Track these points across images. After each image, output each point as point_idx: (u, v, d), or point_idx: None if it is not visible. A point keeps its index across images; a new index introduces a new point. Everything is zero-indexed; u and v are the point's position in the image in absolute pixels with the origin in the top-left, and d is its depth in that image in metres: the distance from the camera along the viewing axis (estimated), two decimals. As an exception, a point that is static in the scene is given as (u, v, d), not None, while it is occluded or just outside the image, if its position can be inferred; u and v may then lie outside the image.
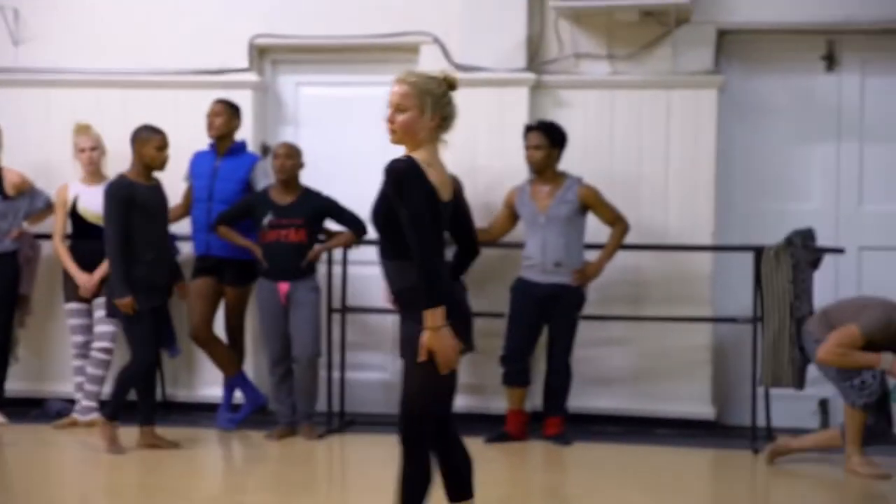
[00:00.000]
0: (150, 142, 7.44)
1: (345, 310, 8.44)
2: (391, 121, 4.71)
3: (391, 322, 8.20)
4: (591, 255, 8.07)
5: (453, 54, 8.69)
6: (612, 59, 8.62)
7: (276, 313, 7.89)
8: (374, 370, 8.85)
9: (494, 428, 8.01)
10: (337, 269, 8.38)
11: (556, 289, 7.90)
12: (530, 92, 8.57)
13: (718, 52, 8.58)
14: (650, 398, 8.25)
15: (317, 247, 8.07)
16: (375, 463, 7.31)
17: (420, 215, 4.56)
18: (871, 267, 8.34)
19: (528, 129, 8.10)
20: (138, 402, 7.56)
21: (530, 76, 8.57)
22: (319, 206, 8.04)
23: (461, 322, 4.72)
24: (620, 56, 8.59)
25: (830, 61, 8.61)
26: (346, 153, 8.89)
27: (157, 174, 7.60)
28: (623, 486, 6.79)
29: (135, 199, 7.34)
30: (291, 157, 8.04)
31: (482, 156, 8.54)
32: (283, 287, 7.88)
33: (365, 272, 8.31)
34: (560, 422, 7.94)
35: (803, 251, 7.82)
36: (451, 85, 4.80)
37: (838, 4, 8.35)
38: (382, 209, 4.68)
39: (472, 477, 4.92)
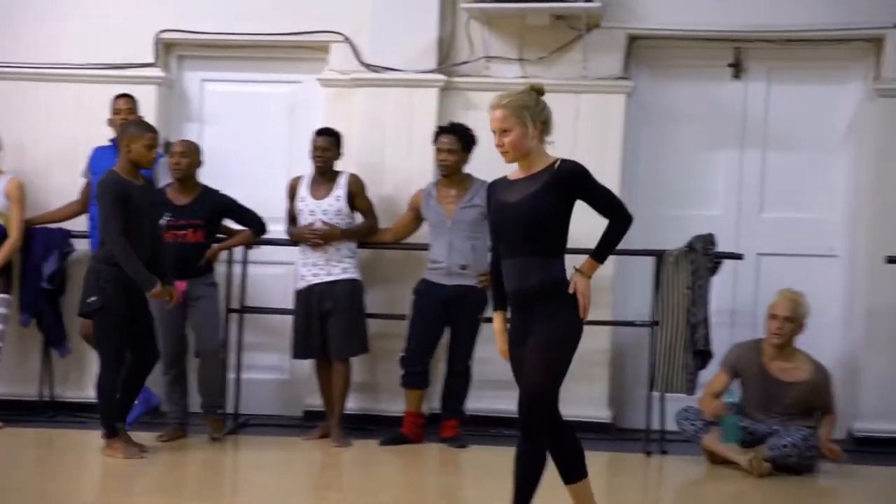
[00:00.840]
0: (141, 139, 7.21)
1: (243, 310, 8.39)
2: (500, 144, 5.16)
3: (289, 323, 8.15)
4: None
5: (363, 54, 8.66)
6: (523, 63, 8.63)
7: (173, 313, 7.75)
8: (271, 371, 8.80)
9: (390, 430, 7.99)
10: (236, 269, 8.33)
11: (460, 291, 7.89)
12: (440, 93, 8.56)
13: (628, 57, 8.63)
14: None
15: (214, 246, 8.00)
16: (267, 465, 7.31)
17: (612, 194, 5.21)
18: (768, 273, 8.41)
19: (441, 131, 8.08)
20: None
21: (440, 78, 8.56)
22: (218, 205, 7.96)
23: None
24: (531, 60, 8.60)
25: (737, 69, 8.68)
26: (251, 151, 8.83)
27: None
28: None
29: (129, 197, 7.12)
30: (186, 155, 7.92)
31: (390, 156, 8.53)
32: (180, 286, 7.74)
33: (264, 272, 8.24)
34: (457, 424, 7.94)
35: (703, 257, 7.87)
36: (539, 91, 5.25)
37: (745, 13, 8.41)
38: (549, 209, 5.02)
39: (583, 459, 5.23)
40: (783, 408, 7.35)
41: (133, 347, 7.27)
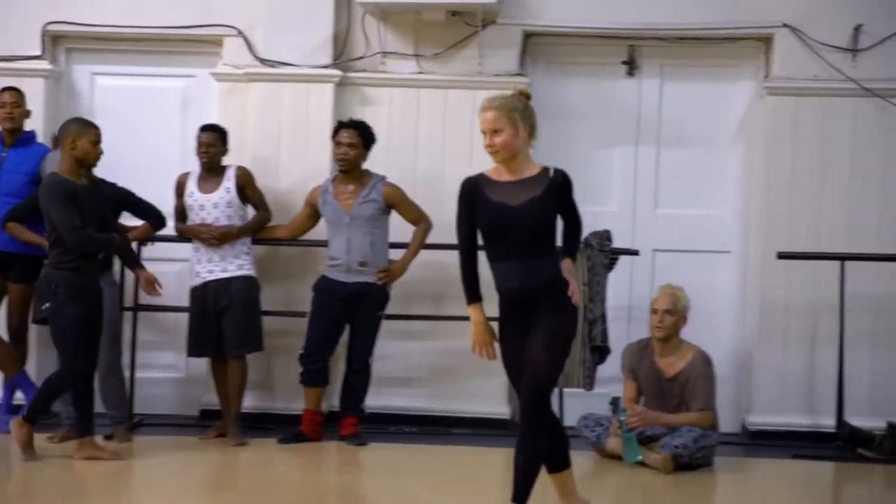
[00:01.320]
0: (86, 135, 7.00)
1: (137, 308, 8.25)
2: (491, 144, 5.34)
3: (184, 321, 8.03)
4: (396, 254, 8.03)
5: (258, 49, 8.57)
6: (419, 59, 8.61)
7: None
8: (166, 370, 8.68)
9: (288, 428, 7.91)
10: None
11: (360, 287, 7.84)
12: (336, 89, 8.51)
13: (524, 54, 8.66)
14: (448, 397, 8.25)
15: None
16: (163, 465, 7.21)
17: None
18: (663, 269, 8.50)
19: (342, 125, 8.01)
20: (75, 413, 7.14)
21: (336, 73, 8.50)
22: (114, 198, 7.78)
23: None
24: (427, 56, 8.59)
25: (631, 67, 8.76)
26: (143, 147, 8.66)
27: None
28: (417, 485, 6.76)
29: (75, 197, 6.91)
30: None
31: (285, 152, 8.45)
32: None
33: (157, 269, 8.06)
34: (356, 422, 7.89)
35: (599, 254, 7.93)
36: (526, 96, 5.49)
37: (639, 12, 8.50)
38: (551, 213, 5.36)
39: (568, 449, 5.45)
40: (675, 402, 7.42)
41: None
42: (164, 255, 8.32)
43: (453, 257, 8.11)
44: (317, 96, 8.49)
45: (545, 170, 5.41)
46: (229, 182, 7.92)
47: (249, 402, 8.16)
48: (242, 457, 7.50)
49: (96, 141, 7.06)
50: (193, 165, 8.07)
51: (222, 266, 7.85)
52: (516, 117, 5.33)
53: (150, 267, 8.02)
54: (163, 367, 8.65)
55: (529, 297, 5.28)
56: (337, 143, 7.95)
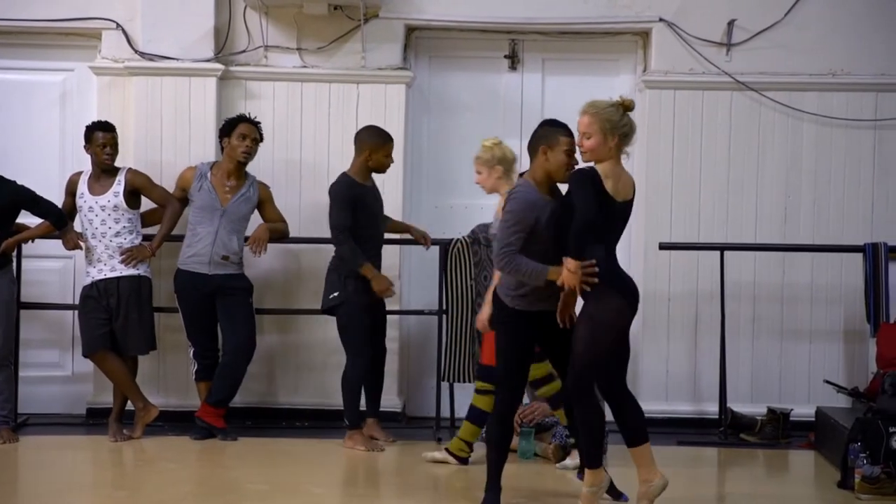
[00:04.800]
0: None
1: (21, 306, 8.07)
2: (580, 144, 5.89)
3: (68, 318, 7.87)
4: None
5: (137, 42, 8.44)
6: (302, 52, 8.58)
7: None
8: (51, 368, 8.53)
9: (184, 425, 7.88)
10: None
11: (222, 279, 7.82)
12: (218, 83, 8.43)
13: (407, 48, 8.69)
14: (337, 390, 8.23)
15: (11, 239, 7.69)
16: (49, 465, 7.11)
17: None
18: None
19: (244, 120, 7.92)
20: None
21: (218, 67, 8.42)
22: (13, 196, 7.65)
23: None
24: (310, 49, 8.57)
25: (513, 60, 8.85)
26: (20, 143, 8.47)
27: None
28: (296, 476, 6.83)
29: None
30: None
31: (167, 145, 8.35)
32: None
33: (40, 266, 7.94)
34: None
35: (486, 248, 8.00)
36: (627, 108, 5.91)
37: (520, 6, 8.59)
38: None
39: (644, 424, 6.02)
40: None
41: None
42: (45, 252, 8.18)
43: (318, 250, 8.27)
44: (199, 90, 8.40)
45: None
46: (119, 186, 7.79)
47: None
48: (130, 454, 7.45)
49: None
50: (73, 161, 7.94)
51: (111, 265, 7.74)
52: (607, 127, 5.82)
53: (33, 264, 7.88)
54: (48, 365, 8.51)
55: None
56: (242, 135, 7.85)
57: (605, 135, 5.79)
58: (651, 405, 8.39)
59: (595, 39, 8.78)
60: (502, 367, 6.04)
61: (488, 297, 6.46)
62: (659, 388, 8.52)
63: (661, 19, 8.54)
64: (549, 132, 6.06)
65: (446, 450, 7.23)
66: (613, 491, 6.29)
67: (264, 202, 8.03)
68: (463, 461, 7.18)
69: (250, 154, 7.86)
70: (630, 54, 8.81)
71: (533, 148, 6.07)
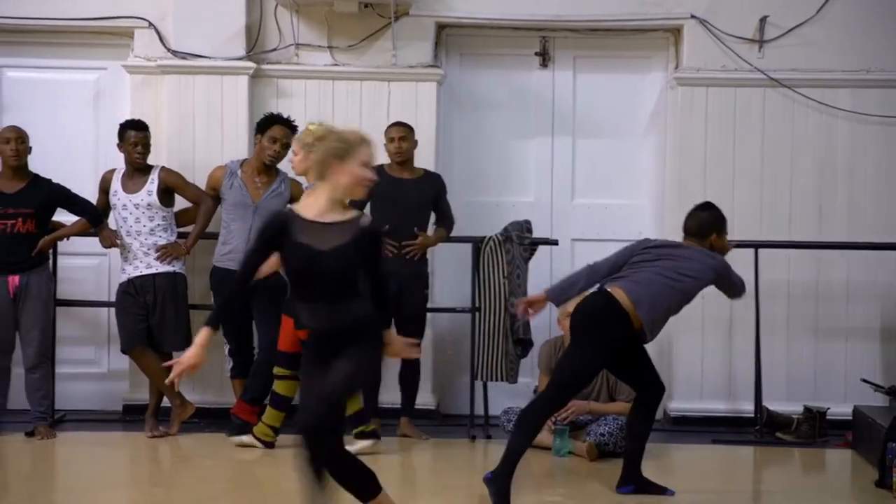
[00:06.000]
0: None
1: (56, 303, 8.08)
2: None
3: (105, 316, 7.92)
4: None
5: (169, 40, 8.45)
6: (333, 51, 8.57)
7: (5, 306, 7.60)
8: (87, 365, 8.55)
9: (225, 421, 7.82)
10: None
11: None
12: (250, 81, 8.43)
13: (438, 45, 8.68)
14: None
15: (47, 237, 7.75)
16: (85, 461, 7.16)
17: None
18: (582, 258, 8.54)
19: (279, 121, 7.89)
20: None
21: (250, 65, 8.42)
22: (50, 194, 7.70)
23: None
24: (341, 47, 8.56)
25: (544, 58, 8.83)
26: (54, 141, 8.47)
27: None
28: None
29: None
30: (23, 141, 7.71)
31: (200, 144, 8.36)
32: (12, 280, 7.59)
33: (76, 263, 7.97)
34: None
35: (519, 246, 7.98)
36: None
37: (551, 4, 8.56)
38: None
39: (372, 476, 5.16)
40: (593, 394, 7.52)
41: None
42: (82, 250, 8.23)
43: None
44: (231, 89, 8.39)
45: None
46: (152, 184, 7.81)
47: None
48: (166, 450, 7.50)
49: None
50: (107, 160, 7.96)
51: (146, 262, 7.78)
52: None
53: (69, 261, 7.91)
54: (85, 362, 8.53)
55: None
56: (273, 139, 7.81)
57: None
58: (686, 404, 8.45)
59: (626, 36, 8.75)
60: (573, 372, 6.10)
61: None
62: (694, 386, 8.48)
63: (692, 16, 8.50)
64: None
65: (252, 434, 7.37)
66: (656, 487, 6.28)
67: (297, 200, 8.01)
68: (269, 445, 7.34)
69: (277, 158, 7.84)
70: (661, 51, 8.77)
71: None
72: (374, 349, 5.04)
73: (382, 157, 8.02)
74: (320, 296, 4.94)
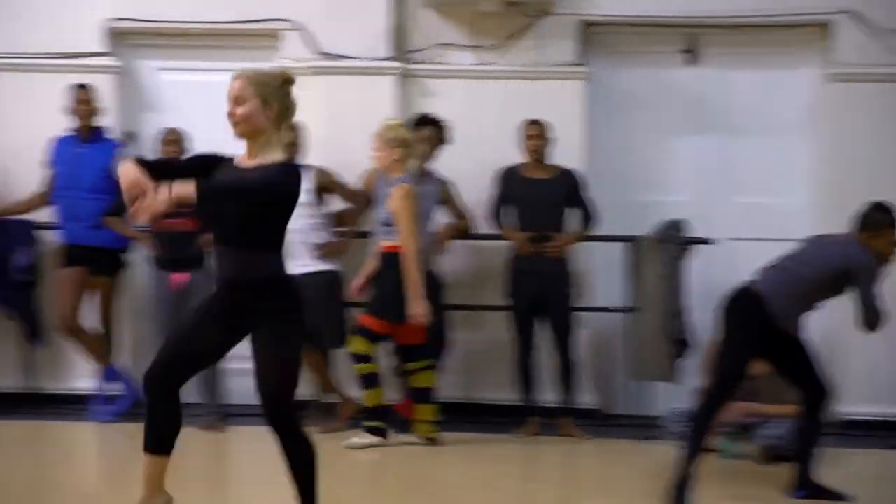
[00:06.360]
0: None
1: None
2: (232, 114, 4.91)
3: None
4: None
5: (316, 42, 8.54)
6: (477, 50, 8.56)
7: (172, 303, 7.74)
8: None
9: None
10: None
11: None
12: (397, 81, 8.46)
13: (583, 44, 8.62)
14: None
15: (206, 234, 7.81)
16: (253, 455, 7.25)
17: None
18: (739, 257, 8.43)
19: (425, 123, 7.97)
20: None
21: (397, 65, 8.45)
22: None
23: None
24: (485, 47, 8.55)
25: (690, 55, 8.73)
26: (209, 142, 8.49)
27: None
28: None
29: None
30: (173, 143, 7.89)
31: (353, 144, 8.28)
32: (181, 277, 7.75)
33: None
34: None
35: (674, 245, 7.90)
36: (287, 80, 4.93)
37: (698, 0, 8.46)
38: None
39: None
40: (760, 395, 7.41)
41: None
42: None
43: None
44: (379, 89, 8.43)
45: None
46: (308, 184, 7.85)
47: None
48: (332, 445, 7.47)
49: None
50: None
51: (302, 261, 7.81)
52: (267, 93, 4.81)
53: None
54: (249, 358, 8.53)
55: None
56: (421, 141, 7.88)
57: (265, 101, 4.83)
58: (857, 407, 8.21)
59: (774, 32, 8.63)
60: (723, 366, 6.05)
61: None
62: (865, 389, 8.24)
63: (844, 10, 8.35)
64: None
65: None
66: (831, 493, 6.17)
67: (448, 199, 8.03)
68: (433, 441, 7.40)
69: (426, 158, 7.88)
70: (812, 46, 8.63)
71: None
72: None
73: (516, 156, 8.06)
74: None
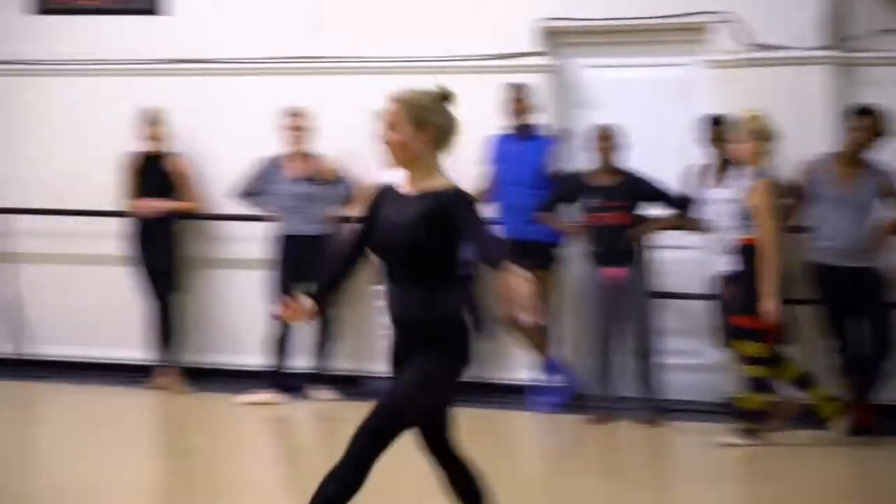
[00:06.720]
0: None
1: (661, 295, 8.17)
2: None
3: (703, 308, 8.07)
4: None
5: (747, 33, 8.33)
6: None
7: (605, 298, 7.86)
8: (690, 356, 8.48)
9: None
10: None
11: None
12: (832, 70, 8.18)
13: None
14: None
15: (641, 227, 7.98)
16: (689, 449, 7.34)
17: None
18: None
19: (857, 112, 7.72)
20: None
21: (832, 54, 8.17)
22: (638, 186, 7.97)
23: None
24: (929, 31, 8.09)
25: None
26: (639, 137, 8.49)
27: None
28: None
29: None
30: (606, 140, 7.99)
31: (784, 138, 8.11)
32: (614, 272, 7.85)
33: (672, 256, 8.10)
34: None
35: None
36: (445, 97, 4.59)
37: None
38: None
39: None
40: None
41: None
42: (680, 243, 8.31)
43: None
44: (812, 78, 8.18)
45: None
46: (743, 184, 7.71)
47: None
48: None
49: None
50: (694, 156, 8.05)
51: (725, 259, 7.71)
52: (422, 114, 4.49)
53: (665, 254, 8.16)
54: (686, 353, 8.46)
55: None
56: (850, 129, 7.69)
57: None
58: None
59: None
60: None
61: None
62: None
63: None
64: None
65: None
66: None
67: (890, 192, 7.71)
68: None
69: (862, 148, 7.59)
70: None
71: None
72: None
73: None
74: None
